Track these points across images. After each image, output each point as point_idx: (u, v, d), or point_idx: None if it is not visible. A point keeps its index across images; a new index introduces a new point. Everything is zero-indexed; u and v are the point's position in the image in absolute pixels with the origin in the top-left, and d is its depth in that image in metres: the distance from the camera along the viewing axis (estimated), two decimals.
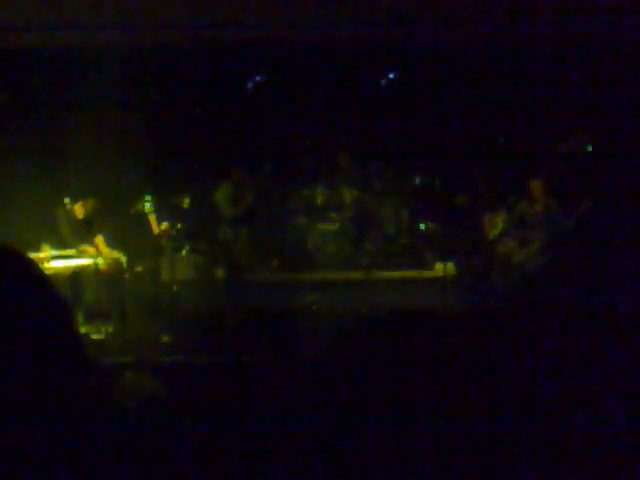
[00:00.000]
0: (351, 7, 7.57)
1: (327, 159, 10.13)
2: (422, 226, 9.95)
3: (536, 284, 7.45)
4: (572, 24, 7.96)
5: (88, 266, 7.22)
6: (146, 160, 10.29)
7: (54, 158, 9.63)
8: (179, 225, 7.76)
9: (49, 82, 9.15)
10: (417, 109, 10.30)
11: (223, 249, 7.84)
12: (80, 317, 7.03)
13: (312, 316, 8.02)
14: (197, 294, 8.75)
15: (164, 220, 7.75)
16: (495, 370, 5.94)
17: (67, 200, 7.58)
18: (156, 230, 7.73)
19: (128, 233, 8.18)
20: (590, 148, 9.97)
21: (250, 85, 10.08)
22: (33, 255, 6.83)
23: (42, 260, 6.91)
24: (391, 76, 10.06)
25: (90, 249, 7.42)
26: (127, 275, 7.73)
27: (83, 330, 6.91)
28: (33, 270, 1.01)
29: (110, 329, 7.17)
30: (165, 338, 7.17)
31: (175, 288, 7.49)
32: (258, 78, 10.02)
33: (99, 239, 7.52)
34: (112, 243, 7.64)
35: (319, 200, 9.82)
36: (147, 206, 7.71)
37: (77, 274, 7.19)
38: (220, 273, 8.70)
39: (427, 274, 9.15)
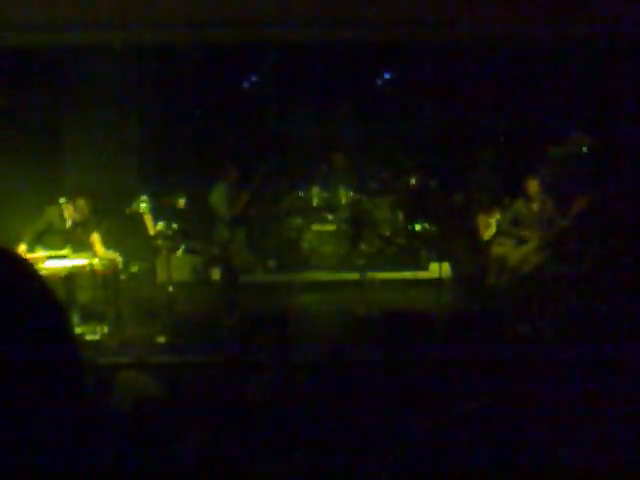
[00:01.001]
0: (347, 8, 7.57)
1: (323, 160, 10.13)
2: (417, 227, 9.96)
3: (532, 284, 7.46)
4: (570, 24, 7.99)
5: (83, 267, 7.20)
6: (142, 160, 10.29)
7: (49, 158, 9.62)
8: (175, 225, 7.74)
9: (46, 82, 9.14)
10: (413, 109, 10.31)
11: (219, 250, 7.82)
12: (75, 318, 7.01)
13: (308, 317, 8.02)
14: (193, 295, 8.74)
15: (160, 220, 7.74)
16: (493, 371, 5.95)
17: (62, 200, 7.55)
18: (152, 230, 7.71)
19: (124, 234, 8.17)
20: (585, 149, 9.99)
21: (246, 85, 10.08)
22: (28, 256, 6.82)
23: (37, 261, 6.90)
24: (387, 76, 10.06)
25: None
26: (123, 276, 7.71)
27: (78, 331, 6.89)
28: (28, 271, 1.01)
29: (105, 330, 7.16)
30: (161, 339, 7.16)
31: (171, 289, 7.48)
32: (254, 78, 10.02)
33: (95, 238, 7.50)
34: (108, 243, 7.62)
35: (315, 201, 9.82)
36: (143, 206, 7.69)
37: (72, 275, 7.18)
38: (216, 274, 8.70)
39: (422, 275, 9.16)
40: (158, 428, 3.99)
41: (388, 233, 10.12)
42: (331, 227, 9.69)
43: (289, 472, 3.49)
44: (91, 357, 6.34)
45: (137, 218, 7.79)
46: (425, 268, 9.27)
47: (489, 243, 7.89)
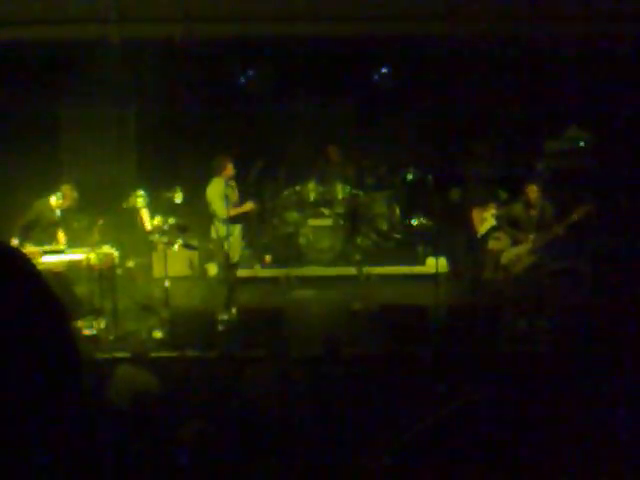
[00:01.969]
0: (345, 4, 7.56)
1: (319, 154, 10.12)
2: (414, 222, 9.95)
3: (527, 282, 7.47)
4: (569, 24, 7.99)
5: (80, 261, 7.19)
6: (139, 155, 10.28)
7: (46, 153, 9.60)
8: (171, 220, 7.72)
9: (43, 76, 9.10)
10: (411, 105, 10.30)
11: (215, 245, 7.81)
12: (72, 313, 7.01)
13: (305, 311, 8.02)
14: (189, 290, 8.74)
15: (156, 215, 7.72)
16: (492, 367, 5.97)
17: (58, 195, 7.54)
18: (148, 225, 7.70)
19: (120, 228, 8.15)
20: (582, 143, 9.99)
21: (243, 80, 10.05)
22: (25, 250, 6.81)
23: (33, 255, 6.88)
24: (384, 71, 10.04)
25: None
26: (119, 271, 7.70)
27: (75, 325, 6.89)
28: (25, 266, 1.01)
29: (102, 324, 7.15)
30: (157, 334, 7.16)
31: (167, 283, 7.47)
32: (251, 73, 9.99)
33: (97, 228, 7.44)
34: (104, 238, 7.60)
35: (312, 196, 9.80)
36: (139, 201, 7.67)
37: (69, 269, 7.17)
38: (212, 269, 8.69)
39: (418, 270, 9.16)
40: (156, 422, 4.00)
41: (385, 228, 10.12)
42: (328, 222, 9.66)
43: (285, 469, 3.50)
44: (88, 352, 6.35)
45: (134, 213, 7.78)
46: (422, 263, 9.27)
47: (485, 237, 7.89)
